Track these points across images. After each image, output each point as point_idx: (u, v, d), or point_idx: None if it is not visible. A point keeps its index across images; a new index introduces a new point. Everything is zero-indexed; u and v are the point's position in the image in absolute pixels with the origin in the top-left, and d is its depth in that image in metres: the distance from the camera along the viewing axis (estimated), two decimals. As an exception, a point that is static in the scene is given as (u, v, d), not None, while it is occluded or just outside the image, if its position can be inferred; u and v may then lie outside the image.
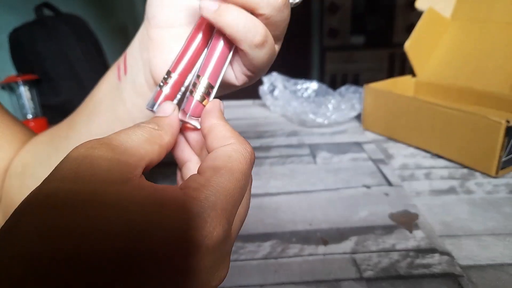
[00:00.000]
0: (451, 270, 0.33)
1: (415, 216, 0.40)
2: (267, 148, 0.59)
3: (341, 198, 0.44)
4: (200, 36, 0.23)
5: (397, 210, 0.41)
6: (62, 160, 0.17)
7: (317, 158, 0.54)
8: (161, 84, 0.24)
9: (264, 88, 0.73)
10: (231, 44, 0.22)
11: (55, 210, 0.14)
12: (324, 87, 0.74)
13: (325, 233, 0.38)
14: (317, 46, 2.49)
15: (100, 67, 1.19)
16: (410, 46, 0.61)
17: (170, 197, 0.16)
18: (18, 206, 0.15)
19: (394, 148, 0.56)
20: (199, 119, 0.22)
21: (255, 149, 0.58)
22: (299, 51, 2.40)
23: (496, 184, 0.45)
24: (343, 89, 0.70)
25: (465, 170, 0.49)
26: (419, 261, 0.34)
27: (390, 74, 2.34)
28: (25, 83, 1.08)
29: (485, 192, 0.44)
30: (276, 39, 0.23)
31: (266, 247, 0.37)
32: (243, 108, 0.77)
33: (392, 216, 0.41)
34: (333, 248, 0.36)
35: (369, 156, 0.54)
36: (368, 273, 0.33)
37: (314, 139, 0.61)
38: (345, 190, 0.46)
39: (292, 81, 0.75)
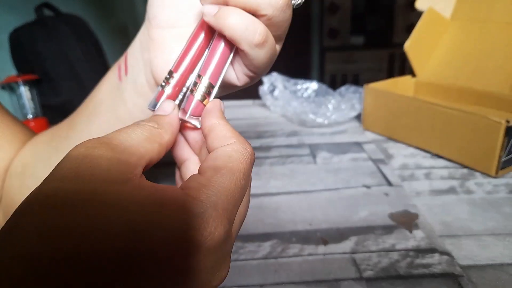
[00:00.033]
0: (451, 270, 0.33)
1: (415, 216, 0.40)
2: (267, 148, 0.59)
3: (341, 198, 0.44)
4: (202, 36, 0.23)
5: (397, 210, 0.41)
6: (61, 160, 0.17)
7: (317, 158, 0.54)
8: (163, 84, 0.24)
9: (264, 88, 0.73)
10: (232, 45, 0.22)
11: (55, 210, 0.14)
12: (324, 87, 0.74)
13: (325, 233, 0.38)
14: (317, 46, 2.49)
15: (100, 67, 1.19)
16: (410, 46, 0.61)
17: (170, 197, 0.16)
18: (18, 206, 0.15)
19: (394, 148, 0.56)
20: (199, 118, 0.22)
21: (255, 149, 0.58)
22: (299, 51, 2.40)
23: (496, 184, 0.45)
24: (343, 89, 0.70)
25: (465, 170, 0.49)
26: (419, 261, 0.34)
27: (390, 74, 2.34)
28: (25, 83, 1.08)
29: (485, 192, 0.44)
30: (277, 39, 0.23)
31: (266, 247, 0.37)
32: (243, 108, 0.77)
33: (392, 216, 0.41)
34: (333, 248, 0.36)
35: (369, 156, 0.54)
36: (368, 273, 0.33)
37: (314, 139, 0.61)
38: (345, 190, 0.46)
39: (292, 81, 0.75)
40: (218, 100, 0.23)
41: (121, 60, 0.30)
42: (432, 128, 0.52)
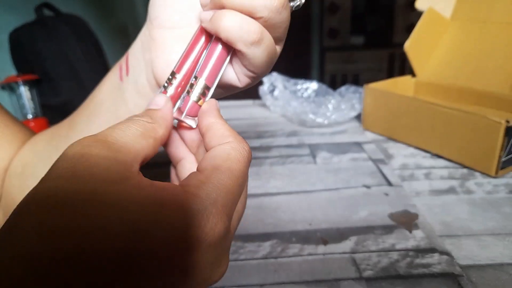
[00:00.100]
0: (451, 270, 0.33)
1: (415, 216, 0.40)
2: (267, 148, 0.59)
3: (341, 198, 0.44)
4: (203, 38, 0.24)
5: (397, 210, 0.42)
6: (58, 159, 0.17)
7: (317, 158, 0.54)
8: (165, 84, 0.24)
9: (264, 88, 0.73)
10: (229, 47, 0.22)
11: (55, 210, 0.14)
12: (324, 87, 0.74)
13: (325, 233, 0.38)
14: (317, 46, 2.49)
15: (100, 67, 1.19)
16: (410, 46, 0.61)
17: (170, 196, 0.16)
18: (17, 206, 0.15)
19: (394, 148, 0.56)
20: (195, 118, 0.23)
21: (255, 149, 0.58)
22: (299, 51, 2.40)
23: (496, 184, 0.45)
24: (343, 89, 0.70)
25: (465, 170, 0.49)
26: (418, 261, 0.34)
27: (390, 74, 2.34)
28: (25, 83, 1.08)
29: (485, 192, 0.44)
30: (277, 40, 0.23)
31: (266, 247, 0.37)
32: (243, 108, 0.77)
33: (392, 216, 0.41)
34: (333, 248, 0.36)
35: (369, 156, 0.54)
36: (368, 273, 0.33)
37: (314, 139, 0.61)
38: (345, 190, 0.46)
39: (292, 81, 0.75)
40: (214, 100, 0.23)
41: (122, 60, 0.30)
42: (432, 128, 0.52)
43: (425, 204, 0.42)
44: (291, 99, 0.68)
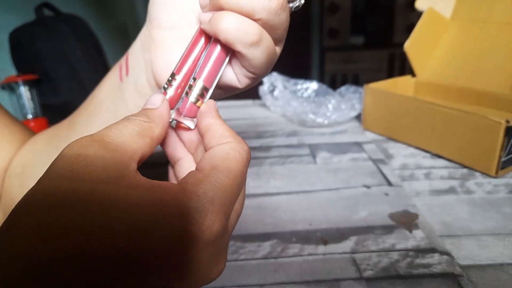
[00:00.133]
0: (451, 270, 0.33)
1: (415, 216, 0.40)
2: (267, 148, 0.59)
3: (341, 198, 0.44)
4: (202, 39, 0.24)
5: (397, 210, 0.42)
6: (55, 159, 0.17)
7: (317, 158, 0.54)
8: (165, 86, 0.24)
9: (264, 88, 0.73)
10: (228, 49, 0.22)
11: (54, 209, 0.14)
12: (324, 87, 0.74)
13: (325, 233, 0.38)
14: (317, 46, 2.49)
15: (100, 67, 1.19)
16: (410, 46, 0.61)
17: (168, 195, 0.16)
18: (15, 206, 0.15)
19: (394, 148, 0.56)
20: (194, 119, 0.23)
21: (255, 149, 0.58)
22: (299, 51, 2.40)
23: (496, 184, 0.45)
24: (343, 89, 0.70)
25: (465, 170, 0.49)
26: (419, 261, 0.34)
27: (390, 74, 2.34)
28: (25, 83, 1.08)
29: (485, 192, 0.44)
30: (276, 41, 0.23)
31: (266, 247, 0.37)
32: (243, 108, 0.77)
33: (392, 216, 0.41)
34: (333, 248, 0.36)
35: (369, 156, 0.54)
36: (368, 273, 0.33)
37: (314, 139, 0.61)
38: (345, 190, 0.46)
39: (292, 81, 0.75)
40: (212, 101, 0.23)
41: (122, 60, 0.30)
42: (432, 128, 0.52)
43: (425, 204, 0.42)
44: (291, 99, 0.68)
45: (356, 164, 0.52)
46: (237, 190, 0.19)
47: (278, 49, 0.24)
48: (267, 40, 0.22)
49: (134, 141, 0.19)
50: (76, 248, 0.13)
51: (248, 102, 0.80)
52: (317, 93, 0.74)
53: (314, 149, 0.57)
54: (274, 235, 0.38)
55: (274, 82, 0.72)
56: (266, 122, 0.69)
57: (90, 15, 1.34)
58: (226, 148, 0.20)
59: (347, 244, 0.36)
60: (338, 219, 0.40)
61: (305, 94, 0.74)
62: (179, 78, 0.24)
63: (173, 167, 0.25)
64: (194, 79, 0.23)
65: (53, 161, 0.17)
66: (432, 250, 0.35)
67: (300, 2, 0.23)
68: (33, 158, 0.35)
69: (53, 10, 1.16)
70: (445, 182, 0.47)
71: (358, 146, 0.58)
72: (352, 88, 0.69)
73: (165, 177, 0.25)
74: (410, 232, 0.38)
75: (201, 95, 0.23)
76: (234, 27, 0.20)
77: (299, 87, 0.74)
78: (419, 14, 0.61)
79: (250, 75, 0.24)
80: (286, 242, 0.37)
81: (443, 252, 0.35)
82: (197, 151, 0.24)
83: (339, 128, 0.65)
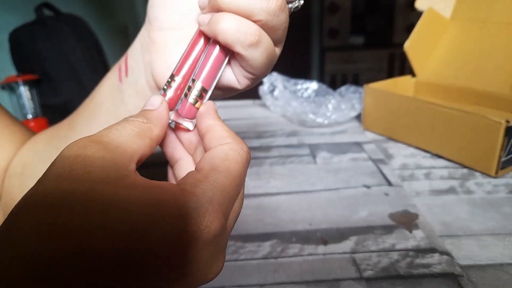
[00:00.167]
0: (451, 270, 0.33)
1: (415, 216, 0.40)
2: (267, 148, 0.59)
3: (341, 198, 0.44)
4: (202, 40, 0.24)
5: (397, 210, 0.42)
6: (54, 160, 0.17)
7: (317, 158, 0.54)
8: (165, 87, 0.24)
9: (264, 88, 0.73)
10: (227, 50, 0.22)
11: (53, 210, 0.14)
12: (324, 87, 0.74)
13: (325, 233, 0.38)
14: (317, 46, 2.49)
15: (100, 67, 1.19)
16: (410, 46, 0.61)
17: (167, 195, 0.16)
18: (15, 207, 0.15)
19: (394, 148, 0.56)
20: (193, 120, 0.23)
21: (255, 149, 0.58)
22: (299, 51, 2.40)
23: (496, 184, 0.45)
24: (343, 89, 0.70)
25: (465, 170, 0.49)
26: (419, 261, 0.34)
27: (390, 74, 2.34)
28: (25, 83, 1.08)
29: (485, 192, 0.44)
30: (276, 42, 0.23)
31: (266, 247, 0.37)
32: (243, 108, 0.77)
33: (392, 216, 0.41)
34: (333, 248, 0.36)
35: (369, 156, 0.54)
36: (368, 273, 0.33)
37: (314, 139, 0.61)
38: (345, 190, 0.46)
39: (292, 81, 0.75)
40: (211, 102, 0.23)
41: (121, 61, 0.30)
42: (432, 128, 0.52)
43: (425, 204, 0.42)
44: (291, 99, 0.68)
45: (356, 164, 0.52)
46: (236, 190, 0.19)
47: (278, 50, 0.24)
48: (266, 41, 0.22)
49: (133, 142, 0.19)
50: (75, 248, 0.14)
51: (248, 102, 0.80)
52: (317, 93, 0.74)
53: (314, 149, 0.57)
54: (274, 235, 0.38)
55: (274, 82, 0.72)
56: (266, 122, 0.69)
57: (90, 15, 1.34)
58: (225, 149, 0.20)
59: (347, 244, 0.36)
60: (338, 219, 0.40)
61: (305, 94, 0.74)
62: (178, 79, 0.24)
63: (172, 167, 0.25)
64: (193, 80, 0.23)
65: (52, 162, 0.17)
66: (432, 250, 0.35)
67: (299, 2, 0.23)
68: (33, 158, 0.35)
69: (53, 10, 1.16)
70: (445, 182, 0.47)
71: (358, 146, 0.58)
72: (352, 88, 0.69)
73: (164, 177, 0.25)
74: (410, 232, 0.38)
75: (200, 96, 0.23)
76: (233, 29, 0.20)
77: (299, 87, 0.74)
78: (419, 14, 0.61)
79: (250, 76, 0.24)
80: (286, 242, 0.37)
81: (443, 252, 0.35)
82: (196, 152, 0.24)
83: (339, 128, 0.65)
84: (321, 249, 0.36)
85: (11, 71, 1.12)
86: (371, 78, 0.71)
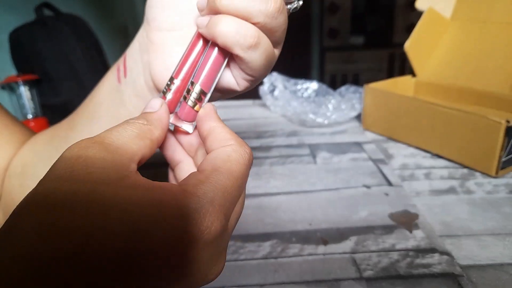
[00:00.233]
0: (451, 270, 0.33)
1: (415, 216, 0.40)
2: (267, 148, 0.59)
3: (341, 198, 0.44)
4: (200, 42, 0.24)
5: (397, 210, 0.42)
6: (56, 161, 0.17)
7: (317, 158, 0.54)
8: (164, 90, 0.24)
9: (264, 88, 0.73)
10: (226, 52, 0.22)
11: (54, 210, 0.14)
12: (324, 87, 0.74)
13: (325, 233, 0.38)
14: (317, 46, 2.49)
15: (100, 67, 1.19)
16: (410, 46, 0.61)
17: (168, 195, 0.16)
18: (16, 207, 0.15)
19: (394, 148, 0.56)
20: (192, 123, 0.23)
21: (255, 149, 0.58)
22: (299, 51, 2.40)
23: (496, 184, 0.46)
24: (343, 89, 0.70)
25: (465, 170, 0.49)
26: (419, 261, 0.34)
27: (390, 74, 2.34)
28: (25, 83, 1.08)
29: (485, 192, 0.44)
30: (275, 44, 0.23)
31: (266, 247, 0.37)
32: (243, 108, 0.77)
33: (392, 216, 0.41)
34: (333, 248, 0.36)
35: (369, 156, 0.54)
36: (368, 273, 0.33)
37: (314, 139, 0.61)
38: (345, 190, 0.46)
39: (292, 81, 0.75)
40: (211, 104, 0.23)
41: (120, 61, 0.30)
42: (432, 128, 0.52)
43: (425, 204, 0.42)
44: (291, 99, 0.68)
45: (356, 164, 0.52)
46: (238, 192, 0.19)
47: (277, 51, 0.24)
48: (265, 42, 0.22)
49: (134, 143, 0.19)
50: (76, 248, 0.14)
51: (248, 102, 0.80)
52: (317, 93, 0.74)
53: (314, 149, 0.57)
54: (274, 235, 0.38)
55: (274, 82, 0.72)
56: (266, 122, 0.69)
57: (90, 15, 1.34)
58: (228, 150, 0.20)
59: (347, 244, 0.36)
60: (338, 219, 0.40)
61: (305, 94, 0.74)
62: (177, 82, 0.24)
63: (173, 170, 0.25)
64: (192, 83, 0.23)
65: (54, 163, 0.17)
66: (432, 250, 0.35)
67: (298, 3, 0.23)
68: (33, 158, 0.35)
69: (53, 10, 1.16)
70: (445, 182, 0.47)
71: (358, 146, 0.58)
72: (352, 88, 0.69)
73: (165, 177, 0.25)
74: (410, 232, 0.38)
75: (199, 99, 0.23)
76: (232, 31, 0.20)
77: (299, 87, 0.74)
78: (419, 14, 0.61)
79: (249, 77, 0.24)
80: (286, 242, 0.37)
81: (443, 252, 0.35)
82: (197, 154, 0.24)
83: (339, 128, 0.65)
84: (321, 249, 0.36)
85: (11, 71, 1.12)
86: (371, 78, 0.71)
